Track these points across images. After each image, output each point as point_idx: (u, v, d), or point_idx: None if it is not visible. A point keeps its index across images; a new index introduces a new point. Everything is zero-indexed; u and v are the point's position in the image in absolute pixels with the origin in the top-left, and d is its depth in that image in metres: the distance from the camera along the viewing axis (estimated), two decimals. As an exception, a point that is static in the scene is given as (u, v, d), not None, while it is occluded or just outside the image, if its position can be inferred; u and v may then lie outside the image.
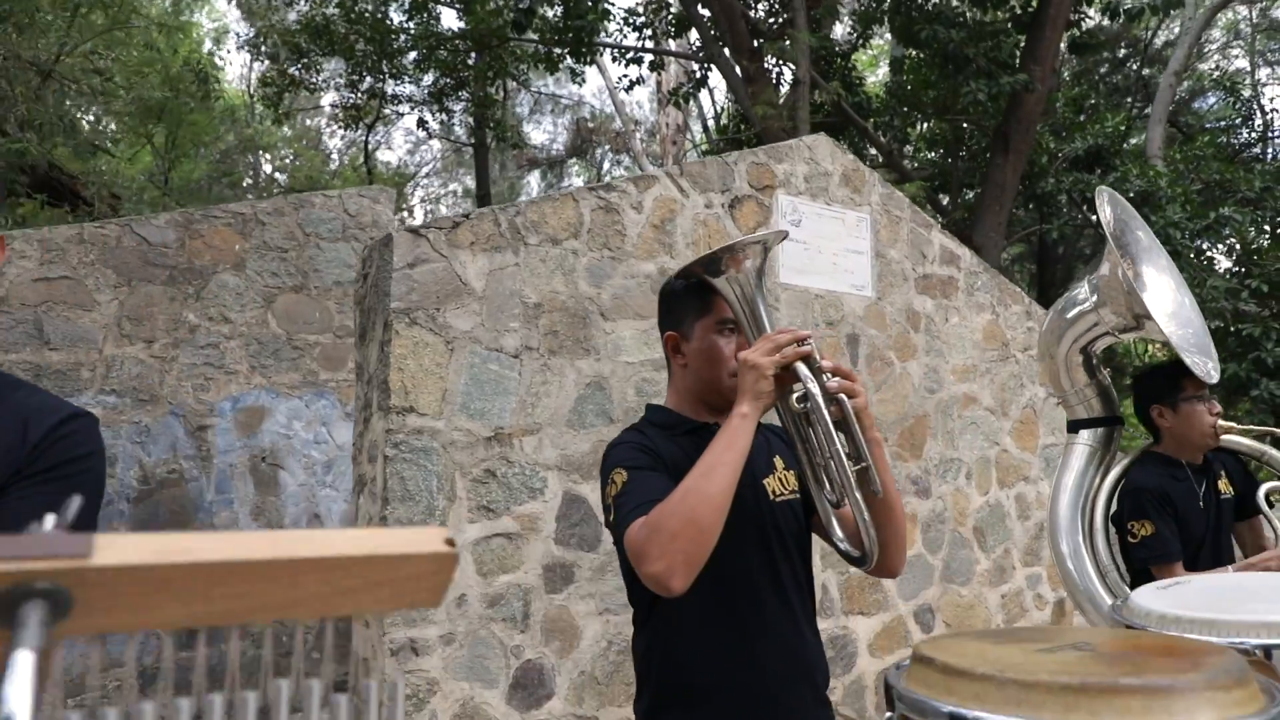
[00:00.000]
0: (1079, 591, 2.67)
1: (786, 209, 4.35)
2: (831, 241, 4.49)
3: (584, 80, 15.12)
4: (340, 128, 16.53)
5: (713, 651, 1.70)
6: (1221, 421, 2.72)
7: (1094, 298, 2.86)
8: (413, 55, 14.57)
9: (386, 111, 16.07)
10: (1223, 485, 2.81)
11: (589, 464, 3.63)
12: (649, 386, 3.81)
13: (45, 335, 4.73)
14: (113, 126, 15.19)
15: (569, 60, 13.50)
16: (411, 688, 3.18)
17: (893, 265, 4.76)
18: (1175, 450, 2.80)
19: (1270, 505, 2.78)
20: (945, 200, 12.32)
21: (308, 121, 19.90)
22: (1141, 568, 2.71)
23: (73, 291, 4.84)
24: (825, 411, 1.56)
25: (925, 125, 12.88)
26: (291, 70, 14.04)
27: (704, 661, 1.70)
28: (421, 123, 15.36)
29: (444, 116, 16.77)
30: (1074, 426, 2.84)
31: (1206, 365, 2.77)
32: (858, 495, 1.58)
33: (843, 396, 1.57)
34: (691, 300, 1.84)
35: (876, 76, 18.05)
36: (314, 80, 14.88)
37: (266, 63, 14.51)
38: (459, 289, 3.39)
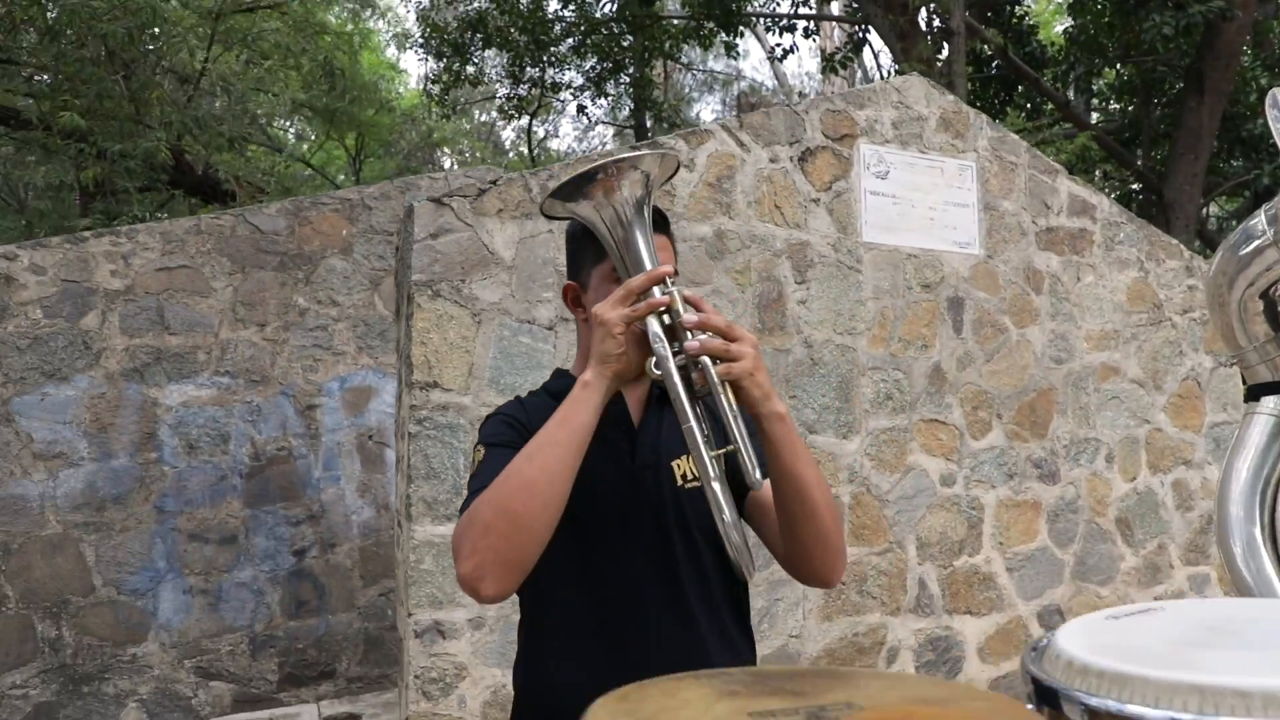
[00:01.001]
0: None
1: (870, 160, 3.90)
2: (927, 194, 4.00)
3: (739, 54, 14.72)
4: (505, 119, 16.99)
5: (585, 669, 1.42)
6: None
7: (1273, 228, 2.33)
8: (569, 42, 14.71)
9: (549, 100, 16.34)
10: None
11: (633, 442, 3.39)
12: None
13: (165, 321, 5.03)
14: (292, 129, 16.34)
15: (721, 35, 13.18)
16: (438, 672, 3.08)
17: (1006, 218, 4.19)
18: None
19: None
20: (1140, 158, 11.01)
21: (480, 116, 20.62)
22: None
23: (191, 280, 5.12)
24: (676, 379, 1.25)
25: (1113, 72, 11.57)
26: (455, 67, 14.52)
27: (573, 681, 1.42)
28: (581, 109, 15.49)
29: (604, 101, 16.87)
30: (1254, 393, 2.33)
31: None
32: (715, 487, 1.25)
33: (705, 360, 1.26)
34: (588, 243, 1.56)
35: (1061, 26, 16.48)
36: (477, 75, 15.33)
37: (433, 62, 15.09)
38: (486, 259, 3.24)
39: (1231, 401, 4.72)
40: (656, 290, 1.32)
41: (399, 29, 19.93)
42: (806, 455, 1.36)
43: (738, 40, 13.44)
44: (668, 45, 14.09)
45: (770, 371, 3.62)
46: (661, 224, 1.54)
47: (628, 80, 15.60)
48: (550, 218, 1.47)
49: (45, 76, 5.77)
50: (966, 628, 3.89)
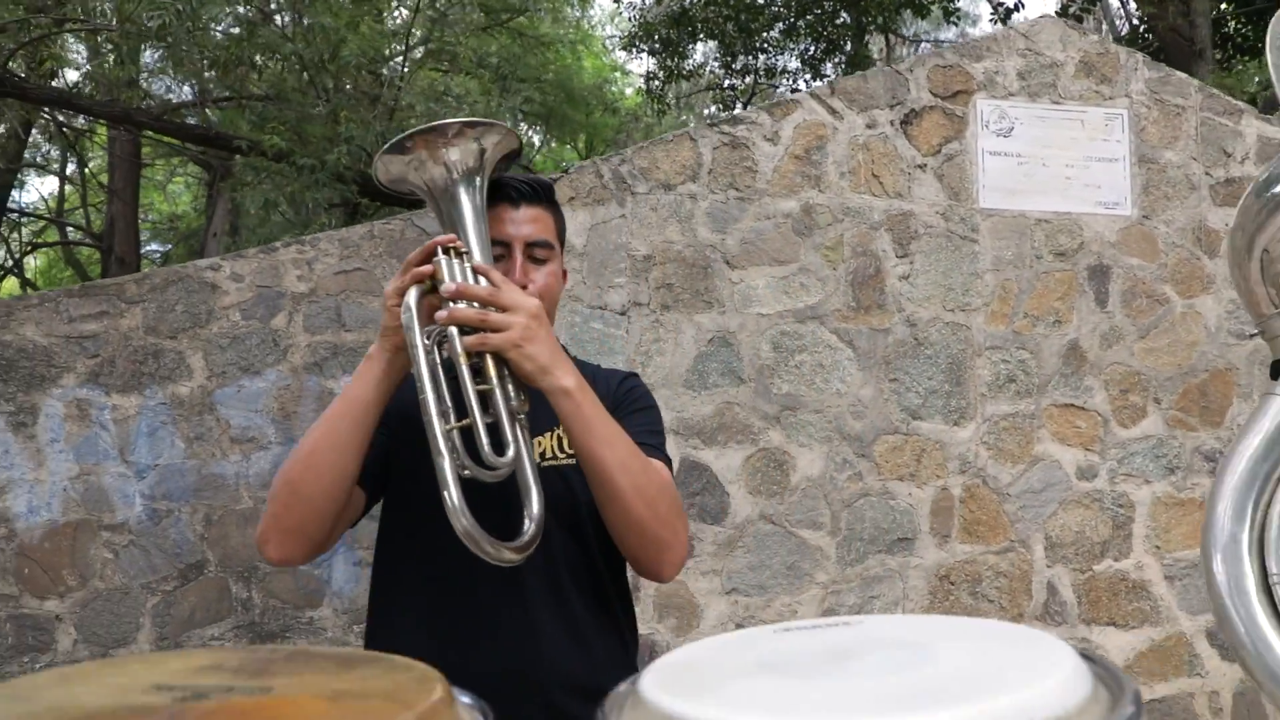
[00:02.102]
0: (1240, 643, 1.82)
1: (990, 117, 3.52)
2: (1063, 150, 3.55)
3: (960, 18, 13.84)
4: (726, 109, 16.99)
5: (419, 650, 1.40)
6: None
7: None
8: (780, 26, 14.49)
9: (764, 86, 16.15)
10: None
11: (712, 428, 3.30)
12: (789, 341, 3.35)
13: (343, 319, 5.53)
14: (531, 134, 17.25)
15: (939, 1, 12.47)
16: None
17: (1169, 172, 3.62)
18: None
19: None
20: None
21: (707, 109, 20.76)
22: None
23: (364, 281, 5.58)
24: (418, 350, 1.22)
25: None
26: (668, 63, 14.74)
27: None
28: (794, 92, 15.18)
29: (823, 82, 16.39)
30: (1278, 369, 1.94)
31: None
32: (440, 464, 1.18)
33: (451, 330, 1.22)
34: None
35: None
36: (693, 68, 15.48)
37: (649, 60, 15.41)
38: (557, 246, 3.28)
39: None
40: (454, 267, 1.29)
41: (622, 31, 20.54)
42: (605, 433, 1.27)
43: (956, 4, 12.63)
44: (881, 19, 13.49)
45: (867, 353, 3.40)
46: (531, 195, 1.50)
47: (843, 59, 15.11)
48: (385, 189, 1.47)
49: (261, 105, 6.55)
50: (1110, 641, 3.43)
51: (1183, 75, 3.71)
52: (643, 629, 3.24)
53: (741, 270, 3.36)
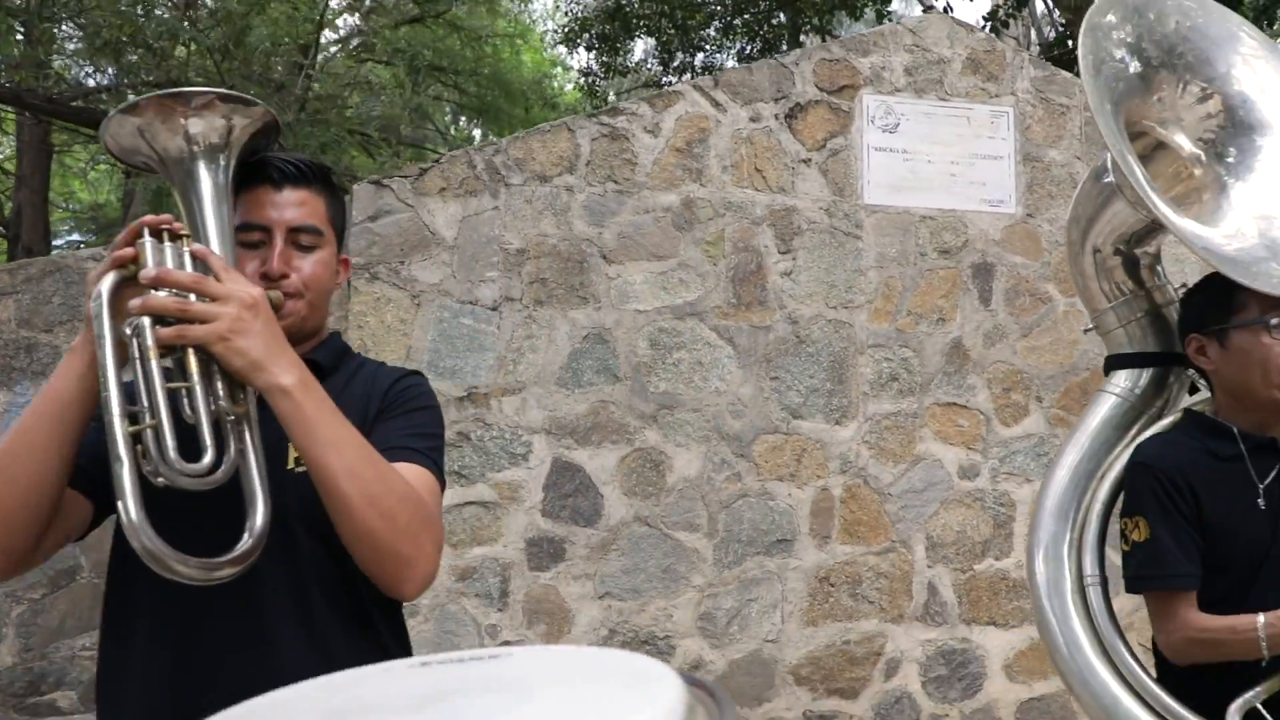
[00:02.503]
0: (1054, 645, 1.77)
1: (876, 112, 3.48)
2: (948, 147, 3.51)
3: (893, 18, 13.97)
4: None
5: (146, 676, 1.27)
6: None
7: (1115, 173, 1.89)
8: (717, 25, 14.46)
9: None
10: None
11: (586, 428, 3.20)
12: (667, 338, 3.27)
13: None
14: (477, 130, 17.01)
15: (871, 2, 12.53)
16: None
17: (1053, 170, 3.61)
18: (1228, 410, 1.72)
19: None
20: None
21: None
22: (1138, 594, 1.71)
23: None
24: (106, 341, 1.09)
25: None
26: (604, 58, 14.64)
27: (135, 692, 1.28)
28: (732, 90, 15.17)
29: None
30: (1111, 364, 1.90)
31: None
32: (119, 471, 1.06)
33: (143, 321, 1.10)
34: None
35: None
36: (630, 64, 15.39)
37: (584, 55, 15.27)
38: (427, 239, 3.16)
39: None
40: (163, 251, 1.16)
41: (560, 26, 20.38)
42: (331, 436, 1.16)
43: (889, 6, 12.72)
44: (816, 20, 13.53)
45: (748, 351, 3.33)
46: (297, 176, 1.38)
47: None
48: (118, 160, 1.34)
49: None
50: (989, 640, 3.40)
51: (1068, 74, 3.70)
52: (511, 636, 3.14)
53: (619, 265, 3.26)
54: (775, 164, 3.39)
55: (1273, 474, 1.65)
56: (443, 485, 1.36)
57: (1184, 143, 1.87)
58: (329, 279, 1.40)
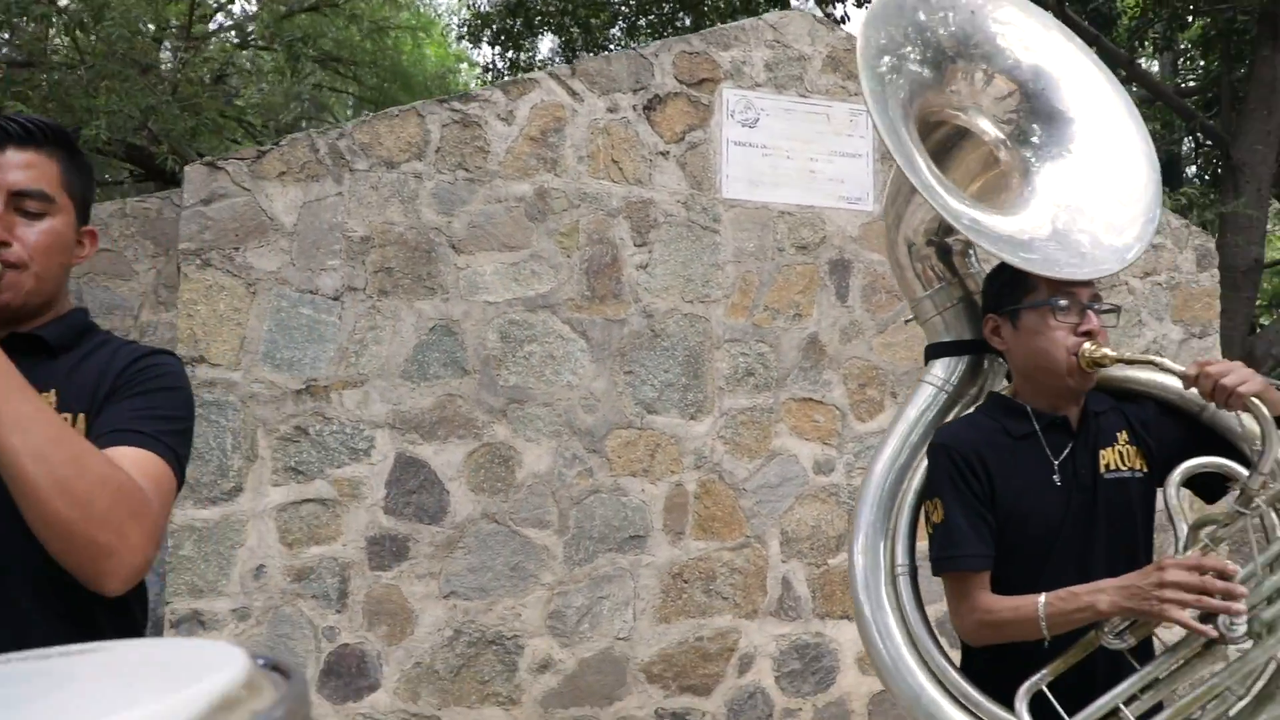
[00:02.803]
0: (868, 635, 1.75)
1: (736, 107, 3.46)
2: (807, 144, 3.53)
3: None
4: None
5: None
6: (1091, 346, 1.62)
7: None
8: (621, 25, 14.44)
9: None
10: (1109, 455, 1.68)
11: (432, 422, 3.10)
12: (518, 330, 3.19)
13: (84, 303, 5.04)
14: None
15: (774, 6, 12.66)
16: (198, 665, 2.88)
17: (909, 170, 3.66)
18: (1023, 389, 1.73)
19: (1209, 493, 1.64)
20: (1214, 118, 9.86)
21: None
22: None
23: (113, 263, 5.11)
24: None
25: (1199, 25, 10.42)
26: (508, 54, 14.47)
27: None
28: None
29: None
30: (930, 353, 1.89)
31: (1065, 256, 1.70)
32: None
33: None
34: None
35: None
36: (533, 61, 15.25)
37: (488, 50, 15.07)
38: (264, 225, 3.01)
39: (1210, 380, 4.03)
40: None
41: (462, 20, 20.11)
42: (14, 417, 1.05)
43: (788, 11, 12.87)
44: (718, 22, 13.62)
45: (601, 344, 3.28)
46: (24, 137, 1.26)
47: (685, 59, 15.13)
48: None
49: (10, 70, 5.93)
50: (843, 634, 3.42)
51: (925, 75, 3.76)
52: (351, 639, 3.01)
53: (468, 255, 3.17)
54: (632, 155, 3.35)
55: (1066, 451, 1.67)
56: (178, 472, 1.26)
57: (987, 127, 1.89)
58: (62, 251, 1.29)
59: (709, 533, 3.34)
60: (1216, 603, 1.39)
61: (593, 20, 13.65)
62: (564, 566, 3.20)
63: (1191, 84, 11.18)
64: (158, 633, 2.93)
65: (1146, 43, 10.74)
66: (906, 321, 2.00)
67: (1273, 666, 1.47)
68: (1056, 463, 1.65)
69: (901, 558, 1.73)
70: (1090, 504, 1.64)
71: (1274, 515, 1.58)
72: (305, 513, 3.00)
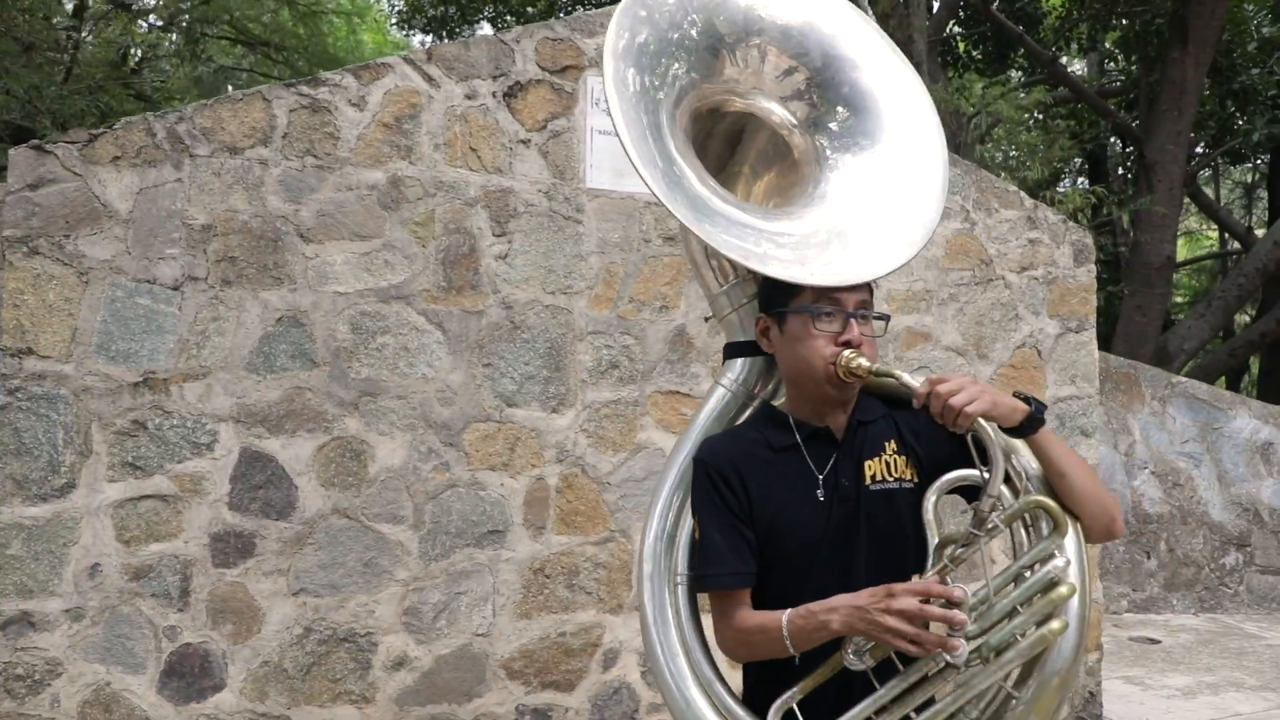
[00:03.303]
0: (650, 647, 1.71)
1: (600, 95, 3.42)
2: (675, 134, 3.49)
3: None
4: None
5: None
6: (851, 355, 1.57)
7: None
8: (559, 16, 14.33)
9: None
10: (875, 465, 1.63)
11: (279, 415, 3.02)
12: (370, 322, 3.12)
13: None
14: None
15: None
16: (25, 668, 2.79)
17: (780, 161, 3.64)
18: (790, 397, 1.70)
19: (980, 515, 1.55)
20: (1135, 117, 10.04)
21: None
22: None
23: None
24: None
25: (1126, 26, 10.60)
26: (441, 42, 14.28)
27: None
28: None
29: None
30: (727, 352, 1.84)
31: (824, 259, 1.66)
32: None
33: None
34: None
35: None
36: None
37: (421, 37, 14.87)
38: (97, 211, 2.91)
39: (1082, 373, 4.08)
40: None
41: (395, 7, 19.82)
42: None
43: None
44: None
45: (458, 336, 3.22)
46: None
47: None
48: None
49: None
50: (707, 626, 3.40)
51: (799, 65, 3.74)
52: (194, 638, 2.93)
53: (317, 244, 3.09)
54: (492, 144, 3.29)
55: (830, 463, 1.63)
56: None
57: (774, 109, 1.84)
58: None
59: (572, 527, 3.30)
60: (931, 636, 1.37)
61: (529, 9, 13.52)
62: (419, 562, 3.15)
63: (1117, 85, 11.38)
64: (-18, 636, 2.82)
65: (1072, 43, 10.91)
66: (707, 319, 1.96)
67: (1003, 693, 1.45)
68: (821, 476, 1.61)
69: (682, 566, 1.69)
70: (853, 517, 1.59)
71: (1023, 532, 1.56)
72: (144, 509, 2.91)
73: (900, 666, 1.44)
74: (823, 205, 1.78)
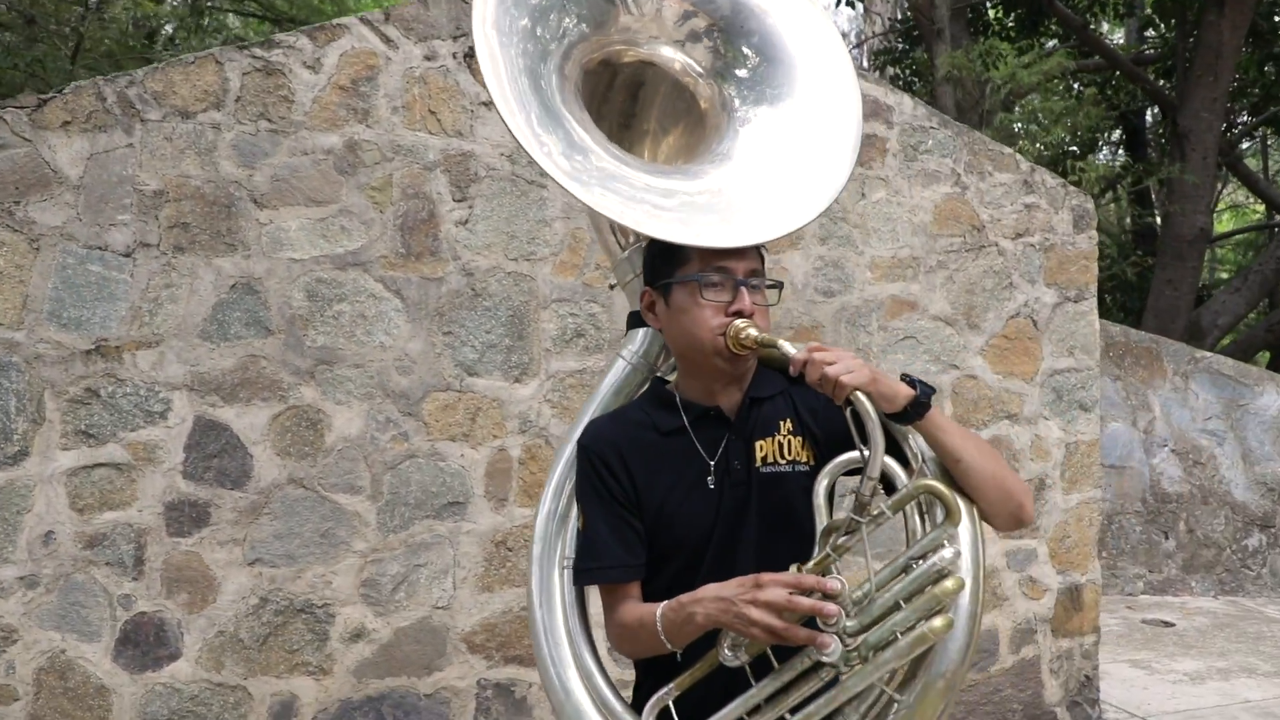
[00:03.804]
0: (534, 632, 1.63)
1: (567, 56, 3.30)
2: (646, 95, 3.37)
3: None
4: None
5: None
6: (742, 324, 1.45)
7: None
8: None
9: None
10: (767, 446, 1.50)
11: (233, 384, 2.99)
12: (327, 289, 3.07)
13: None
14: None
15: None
16: (-20, 634, 2.79)
17: (757, 123, 3.51)
18: (680, 374, 1.59)
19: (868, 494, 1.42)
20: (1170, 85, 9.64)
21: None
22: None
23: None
24: None
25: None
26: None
27: None
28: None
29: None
30: (630, 321, 1.75)
31: (714, 220, 1.55)
32: None
33: None
34: None
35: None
36: None
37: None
38: (47, 178, 2.88)
39: (1081, 344, 3.91)
40: None
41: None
42: None
43: None
44: None
45: (418, 304, 3.16)
46: None
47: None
48: None
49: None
50: (676, 604, 3.33)
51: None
52: (149, 607, 2.92)
53: (272, 210, 3.04)
54: (452, 106, 3.20)
55: (721, 446, 1.52)
56: None
57: (675, 56, 1.73)
58: None
59: (535, 499, 3.23)
60: (802, 632, 1.26)
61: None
62: (378, 534, 3.10)
63: (1154, 53, 10.97)
64: (-63, 602, 2.83)
65: (1108, 7, 10.52)
66: (611, 287, 1.86)
67: (885, 696, 1.33)
68: (712, 462, 1.51)
69: (570, 549, 1.60)
70: (744, 502, 1.48)
71: (918, 519, 1.43)
72: (97, 477, 2.89)
73: (775, 664, 1.34)
74: (726, 163, 1.67)
